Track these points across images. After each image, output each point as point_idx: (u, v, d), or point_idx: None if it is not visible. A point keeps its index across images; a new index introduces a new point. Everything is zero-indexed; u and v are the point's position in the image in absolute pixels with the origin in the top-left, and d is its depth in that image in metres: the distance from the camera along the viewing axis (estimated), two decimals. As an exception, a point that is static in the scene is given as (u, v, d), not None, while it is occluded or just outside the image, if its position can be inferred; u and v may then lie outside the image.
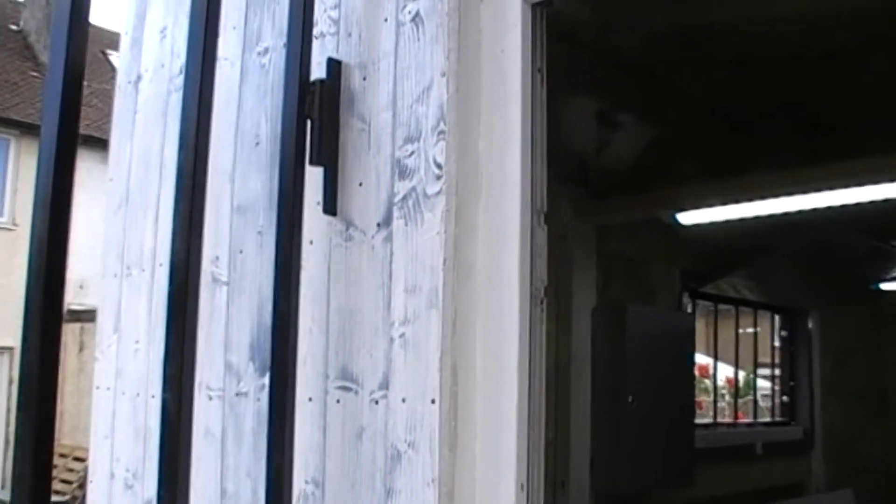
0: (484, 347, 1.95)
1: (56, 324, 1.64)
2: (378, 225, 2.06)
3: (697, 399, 7.51)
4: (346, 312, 2.10)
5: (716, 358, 7.12)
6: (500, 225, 1.97)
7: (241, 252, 2.46)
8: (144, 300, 2.80)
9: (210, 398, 2.50)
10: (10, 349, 14.11)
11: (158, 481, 1.82)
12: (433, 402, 1.88)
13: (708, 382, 7.67)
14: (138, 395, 2.78)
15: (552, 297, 4.69)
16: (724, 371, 8.17)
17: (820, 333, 7.47)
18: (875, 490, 7.22)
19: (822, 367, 7.41)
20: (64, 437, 12.20)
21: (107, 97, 3.28)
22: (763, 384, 8.49)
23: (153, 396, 2.66)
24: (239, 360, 2.42)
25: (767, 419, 7.60)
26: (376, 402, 2.00)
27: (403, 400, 1.94)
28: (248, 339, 2.39)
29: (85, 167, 12.34)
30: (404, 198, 2.01)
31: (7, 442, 14.40)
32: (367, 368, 2.03)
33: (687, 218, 4.79)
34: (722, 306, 6.99)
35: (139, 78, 3.05)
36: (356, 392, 2.05)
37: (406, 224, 2.00)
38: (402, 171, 2.02)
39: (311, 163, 2.14)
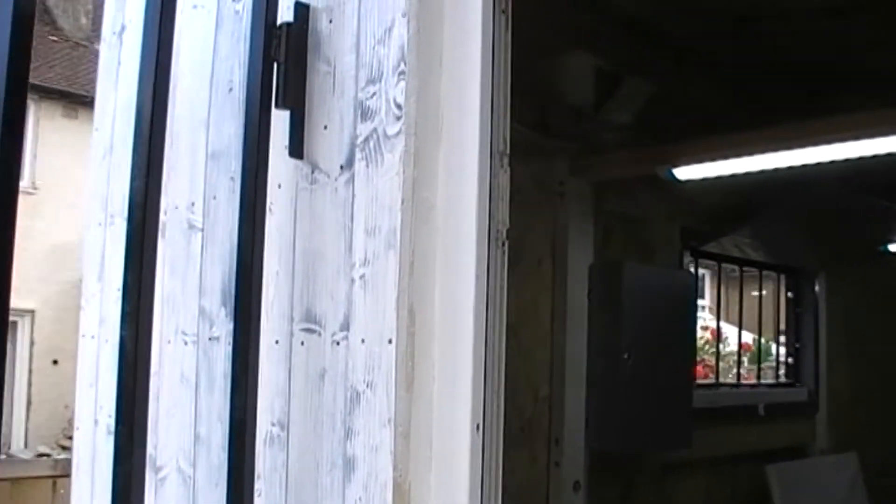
0: (442, 289, 1.94)
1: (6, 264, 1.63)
2: (341, 167, 2.06)
3: (711, 364, 7.49)
4: (311, 255, 2.11)
5: (718, 319, 7.08)
6: (459, 166, 1.95)
7: (214, 198, 2.47)
8: (126, 248, 2.81)
9: (185, 343, 2.52)
10: (32, 312, 14.28)
11: (116, 418, 1.84)
12: (390, 342, 1.88)
13: (721, 347, 7.62)
14: (120, 342, 2.80)
15: (549, 255, 4.73)
16: (736, 335, 8.10)
17: (827, 295, 7.40)
18: (879, 454, 7.20)
19: (828, 329, 7.36)
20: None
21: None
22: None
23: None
24: (211, 305, 2.43)
25: (771, 381, 7.57)
26: (337, 344, 2.01)
27: (363, 341, 1.95)
28: (220, 285, 2.40)
29: (82, 129, 12.35)
30: (366, 139, 2.00)
31: (29, 402, 14.63)
32: (329, 310, 2.04)
33: (685, 173, 4.72)
34: (730, 273, 6.91)
35: (123, 29, 3.04)
36: (319, 334, 2.06)
37: (367, 166, 1.99)
38: (365, 113, 2.02)
39: (278, 106, 2.13)
